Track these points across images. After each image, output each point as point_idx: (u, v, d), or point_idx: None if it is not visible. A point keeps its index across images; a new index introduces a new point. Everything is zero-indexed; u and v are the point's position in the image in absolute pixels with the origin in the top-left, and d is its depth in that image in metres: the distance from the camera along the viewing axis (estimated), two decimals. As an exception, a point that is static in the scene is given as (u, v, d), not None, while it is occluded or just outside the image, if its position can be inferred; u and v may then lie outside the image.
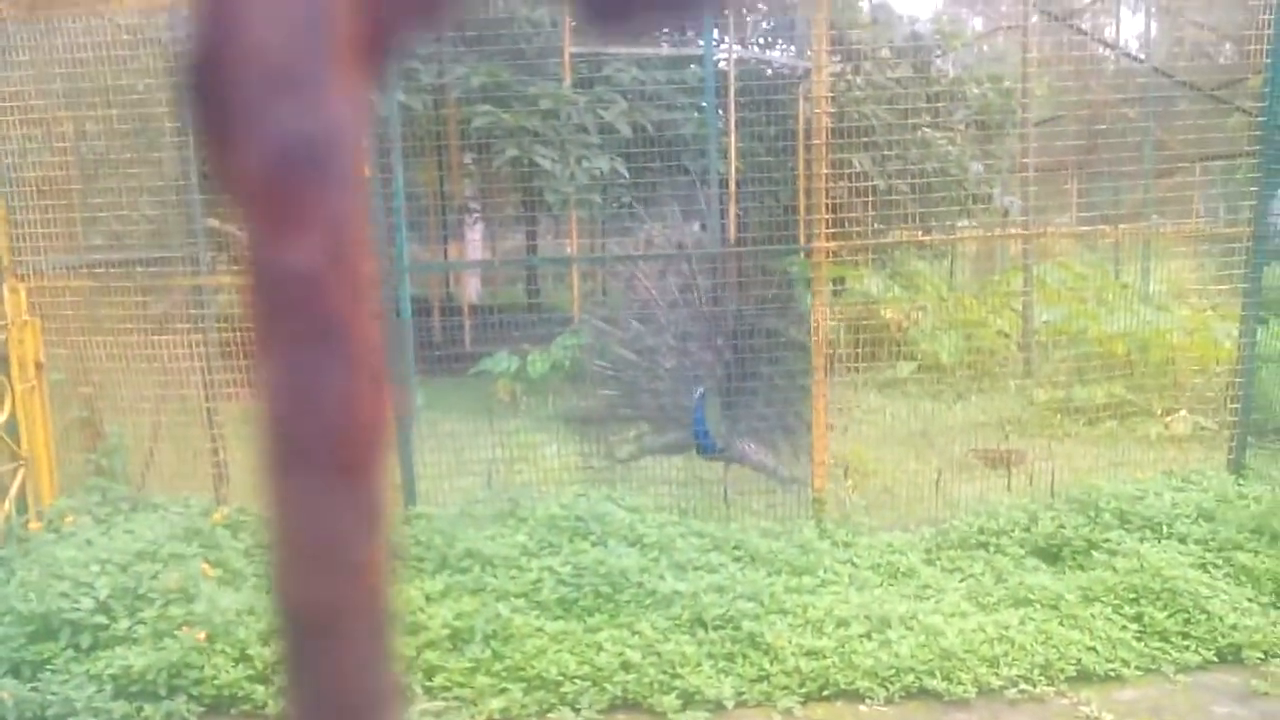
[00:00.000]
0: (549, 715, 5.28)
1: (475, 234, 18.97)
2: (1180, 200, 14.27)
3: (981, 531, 6.89)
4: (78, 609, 5.64)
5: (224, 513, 7.01)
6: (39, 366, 7.35)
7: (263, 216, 0.45)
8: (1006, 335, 12.77)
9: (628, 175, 12.54)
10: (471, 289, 17.53)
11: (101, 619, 5.67)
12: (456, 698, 5.35)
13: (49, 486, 7.34)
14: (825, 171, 7.64)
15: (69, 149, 7.80)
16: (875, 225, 10.71)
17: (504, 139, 12.22)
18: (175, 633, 5.58)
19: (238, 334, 7.55)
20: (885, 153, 12.18)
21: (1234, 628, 5.80)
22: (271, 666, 5.57)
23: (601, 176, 12.58)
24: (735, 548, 6.64)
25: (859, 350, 9.15)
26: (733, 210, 13.11)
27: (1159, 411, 10.10)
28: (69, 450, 7.69)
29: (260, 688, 5.43)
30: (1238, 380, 7.73)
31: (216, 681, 5.43)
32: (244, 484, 7.75)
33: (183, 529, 6.55)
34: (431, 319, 11.96)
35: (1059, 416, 10.33)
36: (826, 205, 7.70)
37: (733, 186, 13.22)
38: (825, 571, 6.41)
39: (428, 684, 5.42)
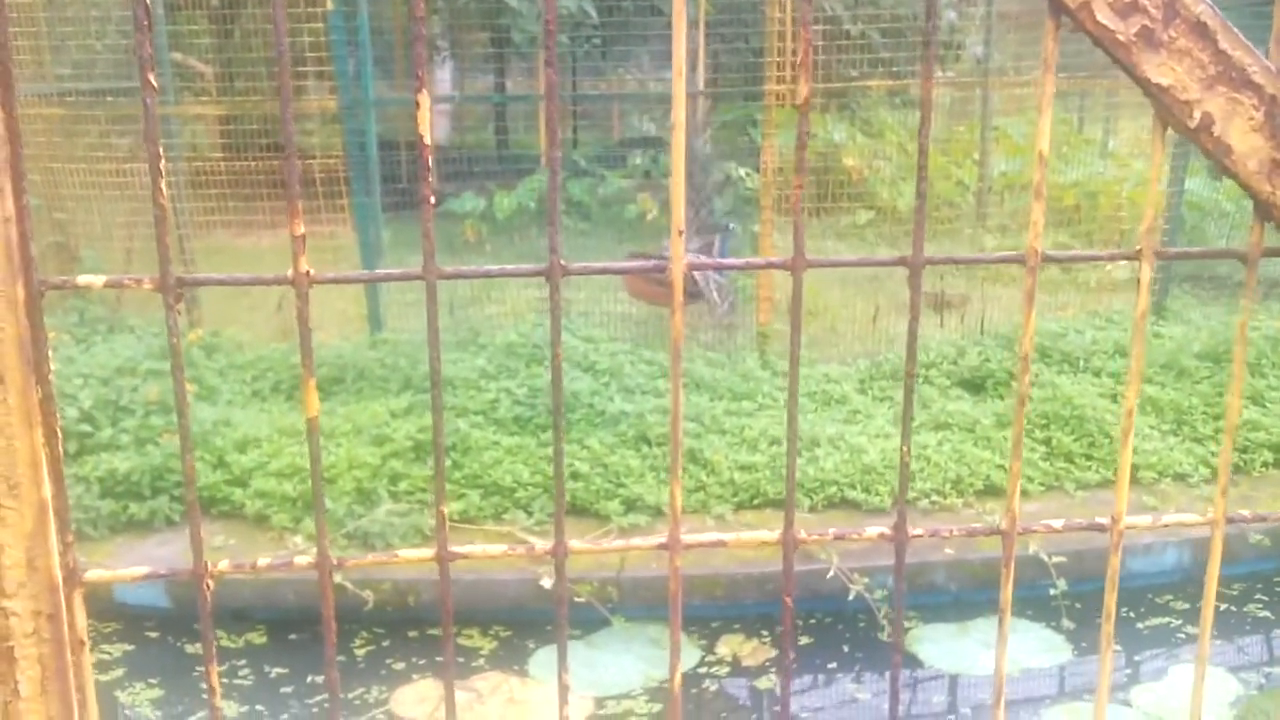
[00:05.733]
0: (504, 517, 5.80)
1: (444, 73, 18.87)
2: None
3: (913, 364, 7.37)
4: (63, 417, 6.02)
5: (198, 334, 7.39)
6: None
7: None
8: (965, 185, 13.10)
9: (595, 15, 12.56)
10: (439, 129, 17.56)
11: (86, 427, 6.09)
12: (419, 501, 5.83)
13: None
14: (788, 16, 7.84)
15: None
16: (849, 72, 10.88)
17: (470, -27, 12.19)
18: (157, 440, 6.02)
19: (207, 164, 7.79)
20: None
21: (1134, 451, 6.33)
22: (246, 473, 6.04)
23: (570, 15, 12.58)
24: (681, 375, 7.09)
25: (818, 193, 9.50)
26: (702, 54, 13.17)
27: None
28: (45, 274, 7.97)
29: (238, 490, 5.90)
30: (1165, 228, 8.16)
31: (197, 484, 5.86)
32: (215, 309, 8.12)
33: (159, 348, 6.93)
34: (398, 154, 12.13)
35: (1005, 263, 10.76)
36: (791, 50, 7.93)
37: (702, 28, 13.25)
38: (763, 397, 6.90)
39: (393, 489, 5.90)
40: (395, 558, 0.85)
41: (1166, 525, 0.95)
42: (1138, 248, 0.88)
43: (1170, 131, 0.87)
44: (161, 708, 5.03)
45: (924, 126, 0.80)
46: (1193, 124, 0.82)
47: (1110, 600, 0.94)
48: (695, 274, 8.27)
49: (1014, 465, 0.96)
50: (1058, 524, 0.96)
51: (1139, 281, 0.88)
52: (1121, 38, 0.79)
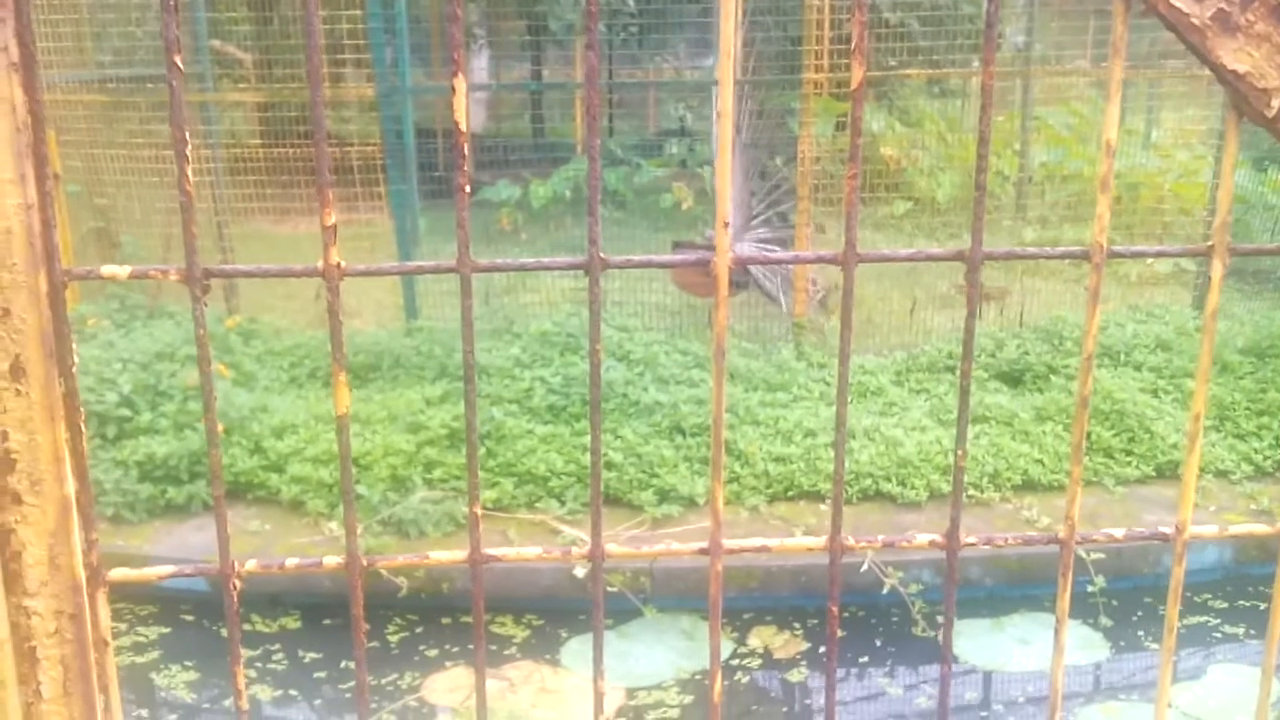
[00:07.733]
0: (537, 505, 5.79)
1: (481, 61, 18.87)
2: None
3: (950, 356, 7.29)
4: (103, 402, 6.10)
5: (235, 320, 7.42)
6: (55, 178, 7.65)
7: None
8: (1005, 176, 12.93)
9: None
10: (475, 117, 17.57)
11: (125, 411, 6.13)
12: (453, 489, 5.83)
13: (70, 292, 7.74)
14: (826, 4, 7.76)
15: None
16: (887, 61, 10.75)
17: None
18: (195, 425, 6.05)
19: (246, 150, 7.82)
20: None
21: (1174, 446, 6.24)
22: (283, 459, 6.06)
23: (607, 4, 12.52)
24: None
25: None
26: (739, 41, 13.07)
27: (1143, 252, 10.36)
28: (86, 259, 8.05)
29: (274, 476, 5.92)
30: (1207, 219, 8.01)
31: (234, 469, 5.92)
32: (252, 296, 8.16)
33: (197, 334, 6.96)
34: (435, 142, 12.15)
35: (1045, 255, 10.61)
36: (830, 38, 7.85)
37: (738, 16, 13.14)
38: (799, 388, 6.84)
39: (428, 476, 5.90)
40: (426, 559, 0.83)
41: (1234, 535, 0.91)
42: (1209, 244, 0.83)
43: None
44: (197, 690, 5.06)
45: (984, 116, 0.76)
46: (1270, 113, 0.78)
47: (1172, 613, 0.89)
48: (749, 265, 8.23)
49: (1074, 471, 0.92)
50: (1119, 533, 0.92)
51: (1210, 279, 0.84)
52: (1196, 21, 0.75)
